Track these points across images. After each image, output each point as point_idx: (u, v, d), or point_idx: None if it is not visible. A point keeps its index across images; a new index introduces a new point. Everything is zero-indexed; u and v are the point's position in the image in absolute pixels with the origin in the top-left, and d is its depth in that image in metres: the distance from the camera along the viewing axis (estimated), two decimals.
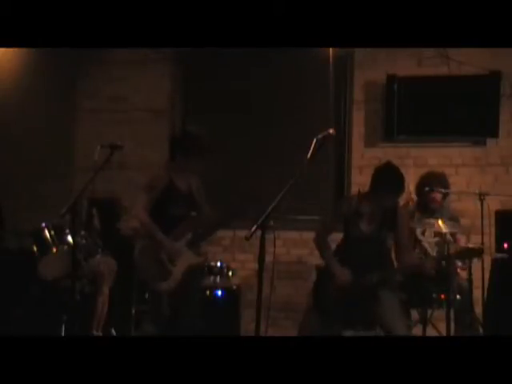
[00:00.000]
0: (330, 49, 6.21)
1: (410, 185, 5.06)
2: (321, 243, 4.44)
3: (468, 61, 5.64)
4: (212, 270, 5.37)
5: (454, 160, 5.75)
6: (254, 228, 3.09)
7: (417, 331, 4.71)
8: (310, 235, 5.99)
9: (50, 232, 5.15)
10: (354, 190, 6.06)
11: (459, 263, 4.87)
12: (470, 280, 4.64)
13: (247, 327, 5.09)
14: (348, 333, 4.68)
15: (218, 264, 5.41)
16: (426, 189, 4.94)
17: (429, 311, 4.78)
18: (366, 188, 4.44)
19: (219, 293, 5.23)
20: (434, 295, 4.71)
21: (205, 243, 4.83)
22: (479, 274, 4.81)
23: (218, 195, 5.62)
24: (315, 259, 5.60)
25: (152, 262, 4.43)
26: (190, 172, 4.52)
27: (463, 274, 4.86)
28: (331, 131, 3.31)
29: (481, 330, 5.03)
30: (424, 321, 4.73)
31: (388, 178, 4.07)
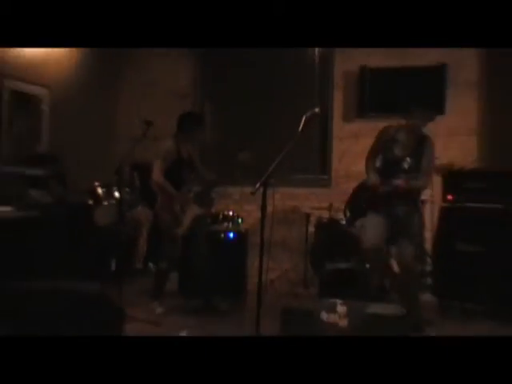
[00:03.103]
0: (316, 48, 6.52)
1: None
2: (368, 163, 4.45)
3: (424, 54, 5.99)
4: (225, 218, 5.71)
5: None
6: (258, 185, 3.27)
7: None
8: (301, 191, 6.73)
9: (101, 189, 5.59)
10: (336, 155, 6.59)
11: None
12: (420, 224, 4.78)
13: (253, 262, 4.98)
14: (330, 266, 5.24)
15: (230, 213, 5.76)
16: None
17: None
18: (344, 155, 4.74)
19: (231, 235, 5.48)
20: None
21: (209, 197, 4.94)
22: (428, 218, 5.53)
23: (227, 158, 5.43)
24: (305, 209, 6.41)
25: (169, 213, 4.65)
26: (191, 143, 4.71)
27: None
28: (317, 110, 3.45)
29: (429, 261, 5.52)
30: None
31: None
